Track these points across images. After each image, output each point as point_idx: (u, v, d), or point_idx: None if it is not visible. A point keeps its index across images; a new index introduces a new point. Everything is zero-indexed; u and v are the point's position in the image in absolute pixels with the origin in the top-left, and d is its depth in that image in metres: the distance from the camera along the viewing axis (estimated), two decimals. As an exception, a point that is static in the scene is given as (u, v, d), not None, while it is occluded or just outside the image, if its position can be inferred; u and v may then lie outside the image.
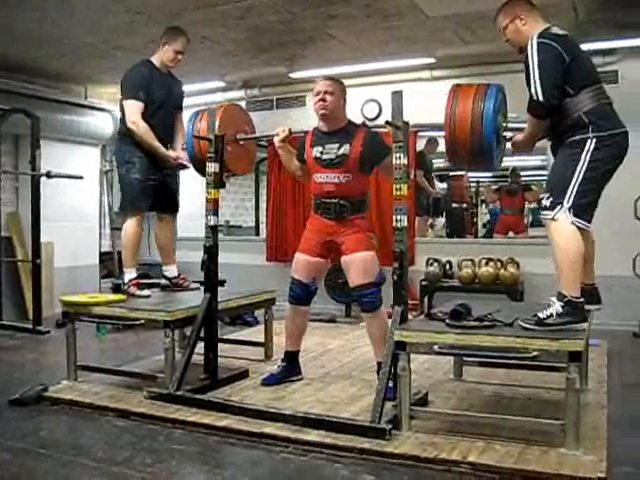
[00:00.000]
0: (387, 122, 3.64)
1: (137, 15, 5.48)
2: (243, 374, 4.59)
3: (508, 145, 3.77)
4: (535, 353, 3.11)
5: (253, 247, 8.63)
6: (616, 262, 5.88)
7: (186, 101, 5.23)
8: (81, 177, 7.06)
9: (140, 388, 4.13)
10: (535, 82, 3.28)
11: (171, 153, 4.79)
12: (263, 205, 9.60)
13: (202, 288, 4.44)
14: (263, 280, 7.01)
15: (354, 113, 5.60)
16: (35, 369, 5.04)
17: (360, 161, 4.09)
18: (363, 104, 7.60)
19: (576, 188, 3.27)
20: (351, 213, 4.14)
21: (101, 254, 8.61)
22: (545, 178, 6.82)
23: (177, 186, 5.12)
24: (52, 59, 6.83)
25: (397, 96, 3.68)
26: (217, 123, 4.34)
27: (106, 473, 3.02)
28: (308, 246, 4.28)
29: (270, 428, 3.48)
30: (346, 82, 4.32)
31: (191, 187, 5.50)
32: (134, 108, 4.68)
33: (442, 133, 3.61)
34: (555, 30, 3.41)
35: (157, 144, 4.71)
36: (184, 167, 4.87)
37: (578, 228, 3.29)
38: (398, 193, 3.65)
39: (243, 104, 7.40)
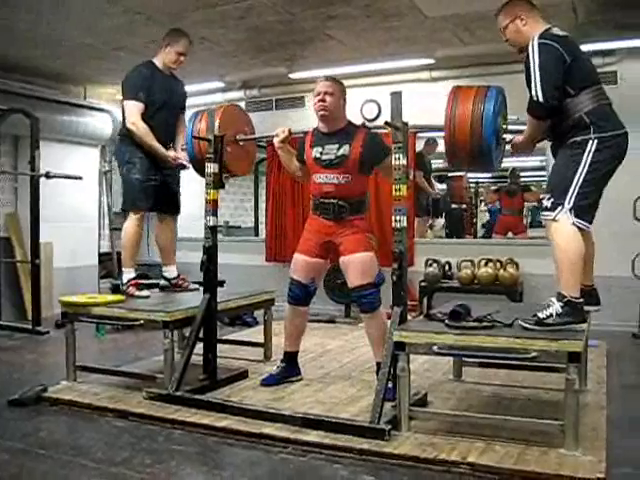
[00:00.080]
0: (386, 123, 3.65)
1: (137, 16, 5.48)
2: (242, 375, 4.59)
3: (508, 146, 3.77)
4: (534, 354, 3.11)
5: (252, 247, 8.63)
6: (615, 263, 5.88)
7: (186, 101, 5.23)
8: (80, 178, 7.05)
9: (139, 389, 4.13)
10: (536, 83, 3.28)
11: (170, 153, 4.80)
12: (262, 206, 9.60)
13: (201, 289, 4.44)
14: (262, 280, 7.01)
15: (353, 114, 5.59)
16: (34, 370, 5.04)
17: (360, 162, 4.09)
18: (362, 105, 7.59)
19: (577, 189, 3.27)
20: (350, 214, 4.14)
21: (100, 254, 8.59)
22: (544, 179, 6.84)
23: (178, 187, 5.11)
24: (50, 60, 6.83)
25: (396, 97, 3.68)
26: (217, 124, 4.34)
27: (105, 474, 3.02)
28: (307, 247, 4.28)
29: (269, 429, 3.48)
30: (345, 83, 4.32)
31: (191, 188, 5.49)
32: (134, 109, 4.69)
33: (441, 134, 3.61)
34: (556, 31, 3.41)
35: (156, 144, 4.71)
36: (184, 167, 4.87)
37: (578, 229, 3.30)
38: (397, 194, 3.65)
39: (242, 105, 7.40)
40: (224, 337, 5.51)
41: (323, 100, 4.10)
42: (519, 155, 3.92)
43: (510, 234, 9.42)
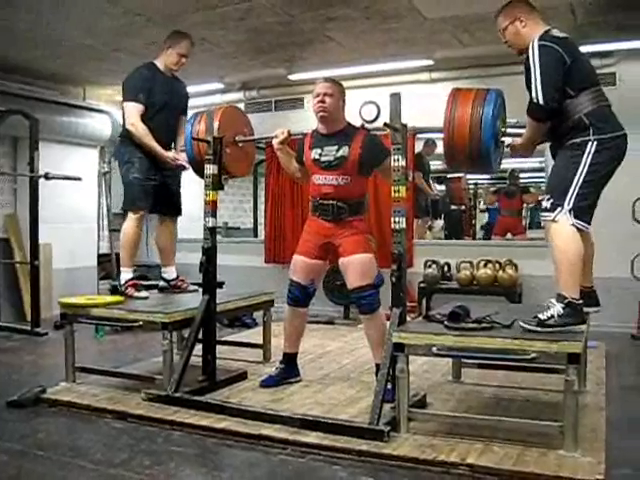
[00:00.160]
0: (385, 124, 3.65)
1: (136, 17, 5.48)
2: (241, 376, 4.58)
3: (507, 149, 3.78)
4: (534, 355, 3.11)
5: (251, 249, 8.63)
6: (614, 264, 5.89)
7: (188, 102, 5.23)
8: (79, 179, 7.06)
9: (138, 390, 4.12)
10: (536, 85, 3.28)
11: (169, 154, 4.80)
12: (261, 207, 9.61)
13: (200, 290, 4.44)
14: (261, 282, 7.00)
15: (352, 115, 5.58)
16: (33, 371, 5.03)
17: (359, 163, 4.09)
18: (361, 106, 7.57)
19: (577, 190, 3.28)
20: (349, 215, 4.14)
21: (99, 256, 8.59)
22: (543, 180, 6.84)
23: (179, 189, 5.11)
24: (49, 60, 6.83)
25: (395, 98, 3.68)
26: (216, 125, 4.35)
27: (104, 475, 3.02)
28: (306, 248, 4.28)
29: (268, 430, 3.48)
30: (345, 84, 4.32)
31: (190, 189, 5.49)
32: (133, 110, 4.70)
33: (441, 135, 3.61)
34: (555, 32, 3.41)
35: (155, 145, 4.71)
36: (183, 168, 4.87)
37: (578, 229, 3.30)
38: (396, 195, 3.65)
39: (242, 106, 7.40)
40: (223, 338, 5.50)
41: (322, 101, 4.10)
42: (518, 157, 3.92)
43: (509, 235, 9.44)
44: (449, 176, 10.64)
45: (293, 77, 7.56)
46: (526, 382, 4.34)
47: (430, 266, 7.08)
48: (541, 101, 3.28)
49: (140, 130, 4.67)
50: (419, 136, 7.98)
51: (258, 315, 5.73)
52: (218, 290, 4.50)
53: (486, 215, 11.99)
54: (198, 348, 4.29)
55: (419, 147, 8.65)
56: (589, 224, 3.39)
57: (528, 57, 3.37)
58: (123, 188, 4.93)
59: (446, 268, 7.14)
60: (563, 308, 3.23)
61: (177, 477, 3.02)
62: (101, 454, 3.26)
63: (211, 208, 4.34)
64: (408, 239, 5.28)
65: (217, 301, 4.39)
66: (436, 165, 9.81)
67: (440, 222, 11.14)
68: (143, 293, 4.72)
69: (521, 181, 10.25)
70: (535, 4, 3.62)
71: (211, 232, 4.33)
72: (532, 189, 10.41)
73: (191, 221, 5.96)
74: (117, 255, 5.03)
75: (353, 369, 4.91)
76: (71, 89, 8.05)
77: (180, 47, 4.81)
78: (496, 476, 2.93)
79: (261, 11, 5.37)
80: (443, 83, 6.94)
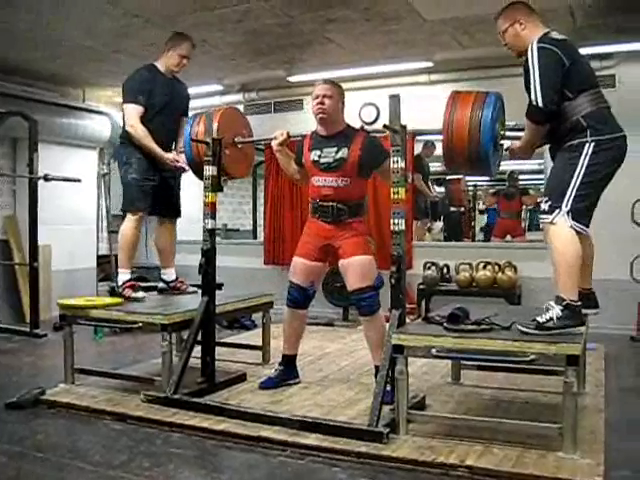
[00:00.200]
0: (385, 126, 3.65)
1: (135, 18, 5.48)
2: (241, 378, 4.58)
3: (505, 152, 3.78)
4: (533, 357, 3.10)
5: (251, 250, 8.63)
6: (613, 266, 5.89)
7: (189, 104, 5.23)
8: (79, 180, 7.05)
9: (137, 391, 4.12)
10: (535, 87, 3.29)
11: (168, 155, 4.79)
12: (261, 208, 9.61)
13: (200, 291, 4.44)
14: (261, 283, 7.01)
15: (352, 117, 5.58)
16: (32, 372, 5.03)
17: (358, 165, 4.09)
18: (361, 108, 7.59)
19: (574, 192, 3.28)
20: (349, 217, 4.14)
21: (98, 257, 8.58)
22: (542, 182, 6.84)
23: (178, 191, 5.11)
24: (49, 62, 6.83)
25: (395, 100, 3.68)
26: (215, 126, 4.34)
27: (103, 477, 3.02)
28: (306, 250, 4.28)
29: (267, 432, 3.47)
30: (344, 86, 4.32)
31: (189, 190, 5.49)
32: (133, 112, 4.69)
33: (440, 137, 3.61)
34: (554, 35, 3.42)
35: (155, 146, 4.71)
36: (183, 170, 4.87)
37: (576, 232, 3.30)
38: (396, 197, 3.65)
39: (241, 108, 7.39)
40: (222, 340, 5.51)
41: (322, 103, 4.10)
42: (517, 159, 3.92)
43: (508, 237, 9.44)
44: (448, 178, 10.64)
45: (292, 79, 7.57)
46: (525, 384, 4.34)
47: (429, 268, 7.08)
48: (540, 103, 3.28)
49: (139, 132, 4.67)
50: (418, 138, 7.98)
51: (257, 317, 5.74)
52: (217, 292, 4.50)
53: (485, 217, 11.98)
54: (197, 350, 4.29)
55: (418, 149, 8.66)
56: (587, 226, 3.39)
57: (527, 59, 3.37)
58: (122, 189, 4.93)
59: (445, 270, 7.14)
60: (562, 310, 3.23)
61: (176, 479, 3.02)
62: (100, 456, 3.26)
63: (210, 210, 4.34)
64: (407, 241, 5.26)
65: (216, 303, 4.39)
66: (435, 167, 9.81)
67: (439, 224, 11.14)
68: (140, 294, 4.71)
69: (520, 183, 10.24)
70: (534, 7, 3.63)
71: (210, 234, 4.33)
72: (531, 191, 10.40)
73: (190, 223, 5.97)
74: (116, 256, 5.02)
75: (352, 371, 4.91)
76: (71, 90, 8.05)
77: (181, 48, 4.81)
78: (495, 478, 2.93)
79: (260, 12, 5.38)
80: (442, 85, 6.95)
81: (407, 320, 3.85)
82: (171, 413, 3.81)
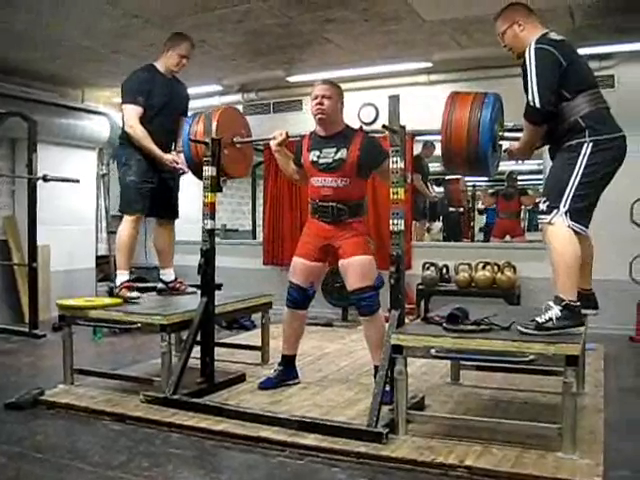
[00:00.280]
0: (384, 126, 3.65)
1: (134, 19, 5.48)
2: (240, 378, 4.58)
3: (504, 153, 3.78)
4: (532, 357, 3.10)
5: (250, 251, 8.63)
6: (613, 266, 5.89)
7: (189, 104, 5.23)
8: (78, 181, 7.04)
9: (136, 392, 4.12)
10: (532, 87, 3.29)
11: (168, 156, 4.78)
12: (260, 209, 9.60)
13: (199, 292, 4.44)
14: (260, 284, 7.02)
15: (351, 117, 5.61)
16: (31, 373, 5.03)
17: (357, 165, 4.09)
18: (360, 108, 7.61)
19: (572, 192, 3.28)
20: (349, 217, 4.14)
21: (97, 257, 8.59)
22: (541, 182, 6.85)
23: (177, 192, 5.09)
24: (48, 62, 6.83)
25: (394, 100, 3.68)
26: (214, 126, 4.34)
27: (102, 477, 3.02)
28: (305, 250, 4.28)
29: (267, 432, 3.48)
30: (343, 86, 4.32)
31: (188, 191, 5.49)
32: (132, 112, 4.69)
33: (439, 137, 3.62)
34: (553, 35, 3.42)
35: (154, 147, 4.70)
36: (183, 172, 4.85)
37: (575, 232, 3.30)
38: (395, 197, 3.65)
39: (240, 108, 7.40)
40: (221, 340, 5.51)
41: (321, 104, 4.10)
42: (516, 160, 3.92)
43: (508, 237, 9.43)
44: (447, 178, 10.63)
45: (291, 79, 7.57)
46: (524, 384, 4.34)
47: (428, 268, 7.08)
48: (537, 104, 3.28)
49: (138, 132, 4.66)
50: (418, 138, 7.99)
51: (256, 317, 5.74)
52: (216, 292, 4.49)
53: (484, 217, 11.97)
54: (196, 350, 4.29)
55: (417, 149, 8.66)
56: (587, 227, 3.39)
57: (525, 60, 3.37)
58: (120, 190, 4.92)
59: (444, 270, 7.13)
60: (561, 311, 3.23)
61: (175, 479, 3.02)
62: (99, 456, 3.26)
63: (210, 210, 4.34)
64: (407, 241, 5.27)
65: (215, 303, 4.39)
66: (434, 167, 9.81)
67: (438, 224, 11.13)
68: (134, 293, 4.67)
69: (519, 183, 10.24)
70: (534, 7, 3.64)
71: (210, 234, 4.33)
72: (530, 191, 10.39)
73: (189, 223, 5.96)
74: (116, 256, 5.01)
75: (351, 371, 4.91)
76: (70, 91, 8.05)
77: (180, 48, 4.80)
78: (494, 478, 2.93)
79: (259, 13, 5.38)
80: (442, 85, 6.96)
81: (406, 320, 3.85)
82: (170, 413, 3.81)
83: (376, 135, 4.41)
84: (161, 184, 4.89)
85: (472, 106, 3.47)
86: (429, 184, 9.46)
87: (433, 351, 3.32)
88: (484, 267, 6.80)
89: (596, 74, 3.68)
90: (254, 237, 10.60)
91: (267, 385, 4.37)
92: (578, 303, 3.29)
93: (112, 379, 4.46)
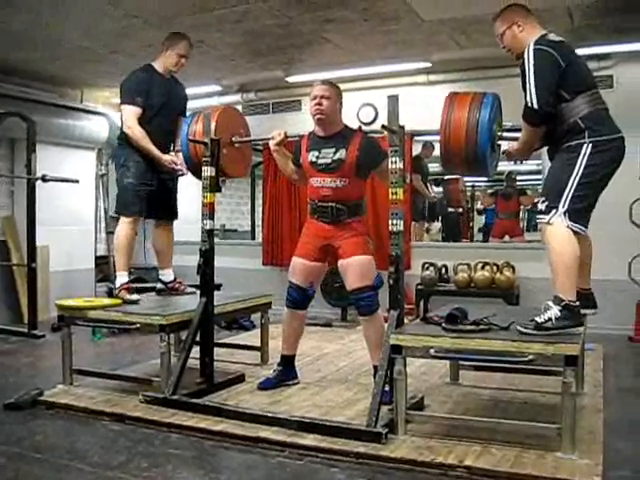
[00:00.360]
0: (383, 126, 3.65)
1: (133, 19, 5.48)
2: (239, 378, 4.58)
3: (502, 155, 3.78)
4: (531, 357, 3.10)
5: (249, 251, 8.63)
6: (611, 266, 5.89)
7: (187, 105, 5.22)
8: (77, 181, 7.04)
9: (136, 392, 4.12)
10: (531, 89, 3.29)
11: (167, 157, 4.78)
12: (259, 209, 9.61)
13: (198, 292, 4.44)
14: (259, 284, 7.02)
15: (350, 117, 5.61)
16: (30, 373, 5.03)
17: (356, 166, 4.09)
18: (359, 108, 7.61)
19: (572, 193, 3.28)
20: (348, 217, 4.14)
21: (97, 258, 8.59)
22: (540, 182, 6.85)
23: (175, 192, 5.08)
24: (48, 62, 6.82)
25: (393, 100, 3.68)
26: (213, 126, 4.34)
27: (102, 477, 3.01)
28: (305, 250, 4.28)
29: (266, 432, 3.48)
30: (342, 86, 4.32)
31: (187, 191, 5.49)
32: (130, 113, 4.68)
33: (438, 137, 3.62)
34: (552, 36, 3.42)
35: (152, 148, 4.69)
36: (181, 173, 4.84)
37: (574, 232, 3.30)
38: (394, 197, 3.65)
39: (239, 108, 7.40)
40: (221, 341, 5.51)
41: (319, 104, 4.10)
42: (515, 162, 3.92)
43: (507, 237, 9.44)
44: (446, 178, 10.62)
45: (291, 79, 7.57)
46: (524, 384, 4.34)
47: (428, 268, 7.08)
48: (535, 105, 3.28)
49: (137, 133, 4.66)
50: (417, 138, 7.99)
51: (256, 317, 5.74)
52: (216, 292, 4.49)
53: (483, 217, 11.97)
54: (196, 350, 4.29)
55: (418, 150, 8.67)
56: (586, 227, 3.39)
57: (523, 61, 3.37)
58: (117, 191, 4.91)
59: (444, 270, 7.13)
60: (560, 311, 3.23)
61: (174, 479, 3.02)
62: (99, 456, 3.26)
63: (209, 210, 4.34)
64: (406, 241, 5.28)
65: (215, 303, 4.39)
66: (434, 167, 9.81)
67: (438, 224, 11.14)
68: (134, 296, 4.66)
69: (518, 183, 10.25)
70: (532, 7, 3.64)
71: (209, 234, 4.33)
72: (529, 191, 10.39)
73: (188, 223, 5.96)
74: (114, 257, 5.01)
75: (351, 371, 4.91)
76: (69, 91, 8.04)
77: (179, 48, 4.79)
78: (493, 478, 2.93)
79: (259, 13, 5.37)
80: (441, 85, 6.96)
81: (405, 320, 3.84)
82: (169, 414, 3.81)
83: (375, 135, 4.41)
84: (160, 185, 4.88)
85: (471, 106, 3.47)
86: (428, 184, 9.46)
87: (432, 351, 3.33)
88: (483, 267, 6.81)
89: (595, 74, 3.68)
90: (253, 237, 10.61)
91: (266, 385, 4.37)
92: (577, 303, 3.29)
93: (111, 379, 4.46)
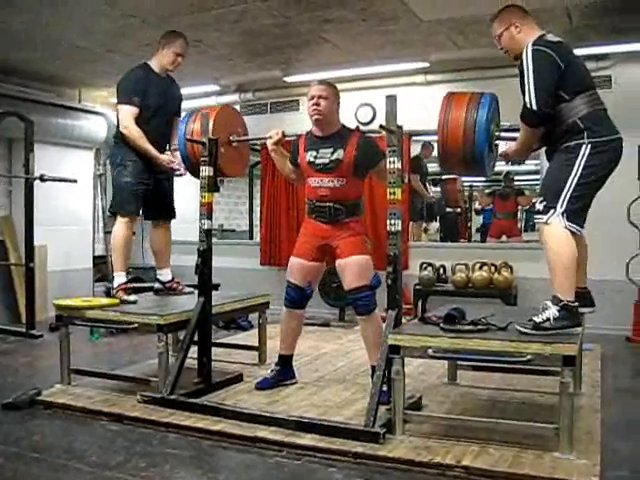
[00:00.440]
0: (381, 126, 3.65)
1: (131, 19, 5.47)
2: (237, 378, 4.58)
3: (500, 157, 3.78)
4: (529, 357, 3.11)
5: (247, 251, 8.63)
6: (609, 266, 5.89)
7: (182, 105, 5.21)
8: (75, 181, 7.04)
9: (134, 392, 4.11)
10: (529, 90, 3.29)
11: (163, 157, 4.77)
12: (257, 209, 9.61)
13: (196, 292, 4.44)
14: (257, 284, 7.02)
15: (348, 117, 5.60)
16: (28, 373, 5.02)
17: (354, 166, 4.09)
18: (357, 108, 7.61)
19: (570, 193, 3.28)
20: (346, 217, 4.14)
21: (94, 258, 8.59)
22: (538, 183, 6.86)
23: (172, 192, 5.07)
24: (46, 62, 6.82)
25: (391, 100, 3.68)
26: (211, 124, 4.33)
27: (100, 477, 3.01)
28: (303, 250, 4.28)
29: (264, 432, 3.47)
30: (340, 86, 4.32)
31: (184, 191, 5.48)
32: (127, 113, 4.66)
33: (436, 137, 3.62)
34: (550, 37, 3.41)
35: (150, 148, 4.67)
36: (179, 173, 4.83)
37: (571, 232, 3.30)
38: (392, 197, 3.65)
39: (237, 108, 7.40)
40: (219, 340, 5.50)
41: (317, 104, 4.10)
42: (513, 163, 3.92)
43: (504, 237, 9.45)
44: (444, 178, 10.63)
45: (289, 79, 7.57)
46: (522, 384, 4.34)
47: (426, 268, 7.09)
48: (534, 106, 3.28)
49: (134, 132, 4.64)
50: (416, 138, 7.99)
51: (254, 317, 5.74)
52: (214, 292, 4.49)
53: (481, 217, 11.98)
54: (193, 350, 4.29)
55: (415, 150, 8.67)
56: (582, 227, 3.39)
57: (522, 62, 3.37)
58: (113, 190, 4.90)
59: (441, 270, 7.14)
60: (558, 311, 3.23)
61: (172, 479, 3.02)
62: (97, 456, 3.25)
63: (207, 210, 4.33)
64: (404, 241, 5.28)
65: (213, 303, 4.39)
66: (433, 167, 9.80)
67: (435, 224, 11.14)
68: (132, 297, 4.65)
69: (516, 183, 10.26)
70: (531, 7, 3.65)
71: (207, 234, 4.33)
72: (527, 191, 10.42)
73: (185, 223, 5.96)
74: (111, 258, 5.00)
75: (348, 371, 4.91)
76: (67, 91, 8.04)
77: (175, 46, 4.76)
78: (491, 478, 2.93)
79: (257, 13, 5.37)
80: (439, 85, 6.96)
81: (403, 320, 3.85)
82: (167, 414, 3.81)
83: (373, 135, 4.41)
84: (156, 185, 4.87)
85: (468, 106, 3.48)
86: (427, 185, 9.46)
87: (430, 351, 3.33)
88: (481, 267, 6.81)
89: (593, 75, 3.68)
90: (251, 237, 10.61)
91: (264, 385, 4.37)
92: (576, 303, 3.30)
93: (109, 379, 4.46)
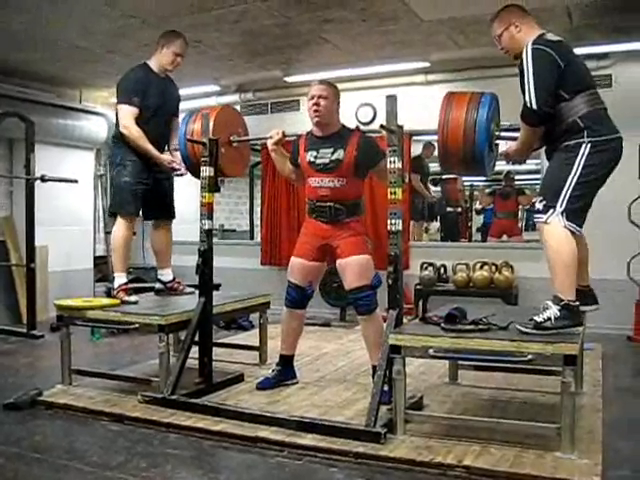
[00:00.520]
0: (382, 126, 3.65)
1: (131, 19, 5.47)
2: (238, 378, 4.58)
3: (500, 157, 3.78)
4: (530, 357, 3.10)
5: (248, 251, 8.63)
6: (610, 265, 5.89)
7: (180, 105, 5.20)
8: (75, 181, 7.04)
9: (135, 392, 4.11)
10: (529, 89, 3.28)
11: (164, 157, 4.77)
12: (258, 209, 9.60)
13: (197, 292, 4.44)
14: (258, 284, 7.02)
15: (348, 117, 5.60)
16: (29, 373, 5.02)
17: (354, 165, 4.09)
18: (358, 108, 7.61)
19: (569, 192, 3.27)
20: (346, 216, 4.14)
21: (95, 258, 8.59)
22: (539, 182, 6.87)
23: (172, 192, 5.06)
24: (47, 63, 6.83)
25: (391, 100, 3.68)
26: (211, 125, 4.33)
27: (100, 477, 3.01)
28: (304, 250, 4.28)
29: (265, 432, 3.47)
30: (341, 86, 4.32)
31: (185, 191, 5.48)
32: (127, 113, 4.64)
33: (436, 137, 3.62)
34: (550, 36, 3.41)
35: (150, 148, 4.66)
36: (180, 173, 4.83)
37: (570, 232, 3.29)
38: (393, 197, 3.64)
39: (238, 108, 7.40)
40: (220, 340, 5.50)
41: (317, 104, 4.10)
42: (513, 163, 3.91)
43: (505, 237, 9.44)
44: (445, 177, 10.62)
45: (289, 79, 7.57)
46: (523, 384, 4.34)
47: (426, 268, 7.09)
48: (534, 105, 3.27)
49: (134, 132, 4.63)
50: (417, 138, 7.99)
51: (254, 317, 5.73)
52: (214, 292, 4.49)
53: (482, 217, 11.97)
54: (194, 350, 4.29)
55: (416, 150, 8.66)
56: (581, 227, 3.38)
57: (522, 61, 3.36)
58: (112, 190, 4.89)
59: (442, 270, 7.14)
60: (559, 310, 3.22)
61: (173, 479, 3.02)
62: (97, 457, 3.25)
63: (207, 210, 4.33)
64: (404, 241, 5.28)
65: (213, 303, 4.39)
66: (435, 167, 9.80)
67: (436, 224, 11.14)
68: (133, 297, 4.64)
69: (516, 183, 10.25)
70: (531, 7, 3.63)
71: (207, 234, 4.33)
72: (527, 191, 10.40)
73: (186, 223, 5.96)
74: (112, 258, 4.99)
75: (349, 371, 4.91)
76: (68, 91, 8.05)
77: (175, 46, 4.74)
78: (492, 478, 2.93)
79: (257, 13, 5.37)
80: (439, 85, 6.96)
81: (404, 320, 3.84)
82: (168, 414, 3.81)
83: (374, 135, 4.41)
84: (155, 185, 4.85)
85: (468, 106, 3.47)
86: (428, 184, 9.46)
87: (431, 351, 3.32)
88: (482, 267, 6.81)
89: (593, 74, 3.68)
90: (252, 237, 10.60)
91: (265, 385, 4.37)
92: (577, 303, 3.29)
93: (110, 379, 4.46)
